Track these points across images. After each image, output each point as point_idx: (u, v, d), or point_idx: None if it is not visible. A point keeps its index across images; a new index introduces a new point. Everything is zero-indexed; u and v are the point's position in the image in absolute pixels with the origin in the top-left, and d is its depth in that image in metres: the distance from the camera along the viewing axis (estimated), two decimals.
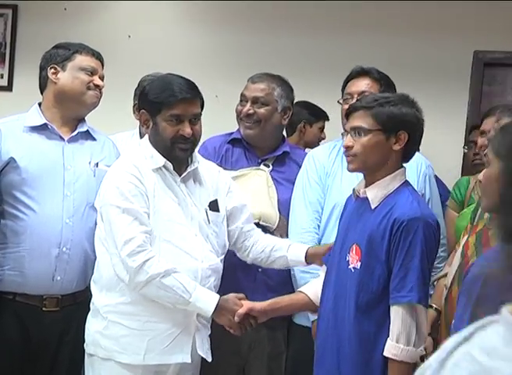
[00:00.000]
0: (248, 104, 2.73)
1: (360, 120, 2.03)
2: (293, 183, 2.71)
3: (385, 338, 1.96)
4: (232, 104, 2.87)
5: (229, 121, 2.95)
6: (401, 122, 2.00)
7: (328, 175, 2.64)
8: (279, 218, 2.69)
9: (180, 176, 2.31)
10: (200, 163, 2.39)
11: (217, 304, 2.19)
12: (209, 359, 2.32)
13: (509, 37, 4.02)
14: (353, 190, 2.15)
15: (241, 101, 2.78)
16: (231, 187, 2.47)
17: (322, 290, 2.17)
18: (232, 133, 2.82)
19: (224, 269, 2.40)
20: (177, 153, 2.27)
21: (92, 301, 2.32)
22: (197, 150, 2.43)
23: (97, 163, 2.53)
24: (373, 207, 2.03)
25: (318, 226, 2.61)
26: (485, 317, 0.76)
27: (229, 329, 2.26)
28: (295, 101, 2.93)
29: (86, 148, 2.56)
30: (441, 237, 2.13)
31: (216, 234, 2.37)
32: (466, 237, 2.25)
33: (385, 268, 1.97)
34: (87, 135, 2.58)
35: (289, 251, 2.42)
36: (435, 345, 2.29)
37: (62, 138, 2.50)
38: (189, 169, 2.33)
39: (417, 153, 2.18)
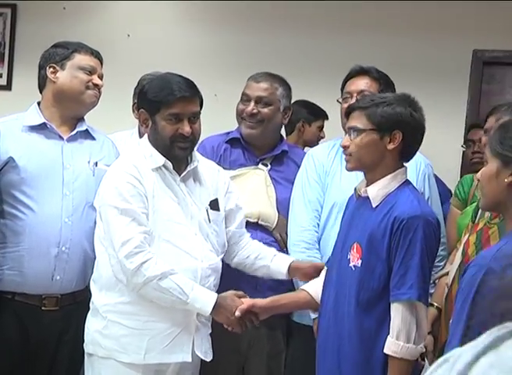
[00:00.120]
0: (252, 103, 2.73)
1: (356, 120, 2.07)
2: (292, 183, 2.71)
3: (385, 336, 1.97)
4: (231, 103, 2.87)
5: (227, 120, 2.94)
6: (395, 121, 2.02)
7: (327, 174, 2.64)
8: (278, 217, 2.69)
9: (180, 175, 2.31)
10: (200, 162, 2.39)
11: (215, 303, 2.19)
12: (208, 359, 2.33)
13: (508, 35, 4.03)
14: (355, 189, 2.17)
15: (243, 100, 2.77)
16: (229, 188, 2.47)
17: (323, 288, 2.19)
18: (230, 133, 2.82)
19: (223, 268, 2.40)
20: (176, 152, 2.27)
21: (92, 300, 2.32)
22: (196, 149, 2.43)
23: (97, 162, 2.53)
24: (374, 206, 2.05)
25: (318, 224, 2.62)
26: (501, 326, 0.73)
27: (227, 326, 2.26)
28: (294, 100, 2.94)
29: (85, 147, 2.55)
30: (441, 235, 2.14)
31: (216, 233, 2.37)
32: (467, 236, 2.25)
33: (385, 266, 1.98)
34: (87, 134, 2.58)
35: (272, 261, 2.43)
36: (436, 344, 2.30)
37: (61, 137, 2.50)
38: (188, 168, 2.33)
39: None
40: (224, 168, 2.58)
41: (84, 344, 2.32)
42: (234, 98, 2.84)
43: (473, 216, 2.32)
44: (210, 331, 2.36)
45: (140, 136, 2.94)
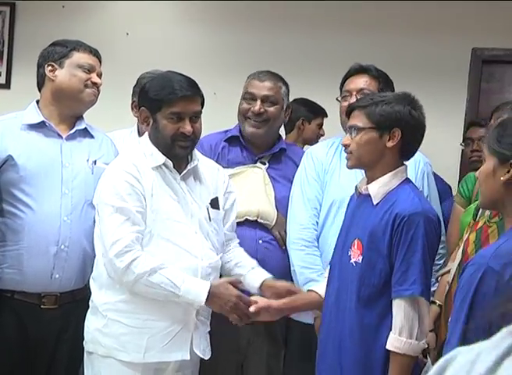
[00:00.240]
0: (259, 102, 2.72)
1: (356, 119, 2.09)
2: (290, 181, 2.72)
3: (386, 332, 1.98)
4: (231, 101, 2.86)
5: (227, 118, 2.94)
6: (394, 120, 2.04)
7: (326, 172, 2.64)
8: (277, 215, 2.69)
9: (180, 173, 2.31)
10: (200, 161, 2.39)
11: (208, 293, 2.19)
12: (206, 357, 2.33)
13: (507, 34, 4.03)
14: (356, 187, 2.18)
15: (247, 99, 2.75)
16: (228, 188, 2.47)
17: (326, 285, 2.20)
18: (228, 131, 2.82)
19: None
20: (177, 151, 2.27)
21: (91, 298, 2.32)
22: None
23: (96, 161, 2.53)
24: (375, 203, 2.06)
25: (317, 222, 2.62)
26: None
27: (219, 310, 2.25)
28: (293, 99, 2.94)
29: (84, 145, 2.55)
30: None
31: (216, 232, 2.37)
32: (467, 234, 2.25)
33: (386, 262, 1.99)
34: (85, 133, 2.57)
35: (248, 273, 2.41)
36: (438, 341, 2.30)
37: (59, 136, 2.50)
38: (189, 167, 2.33)
39: None
40: (222, 166, 2.58)
41: (84, 343, 2.32)
42: (233, 96, 2.84)
43: (474, 213, 2.32)
44: (208, 329, 2.36)
45: (139, 134, 2.93)
